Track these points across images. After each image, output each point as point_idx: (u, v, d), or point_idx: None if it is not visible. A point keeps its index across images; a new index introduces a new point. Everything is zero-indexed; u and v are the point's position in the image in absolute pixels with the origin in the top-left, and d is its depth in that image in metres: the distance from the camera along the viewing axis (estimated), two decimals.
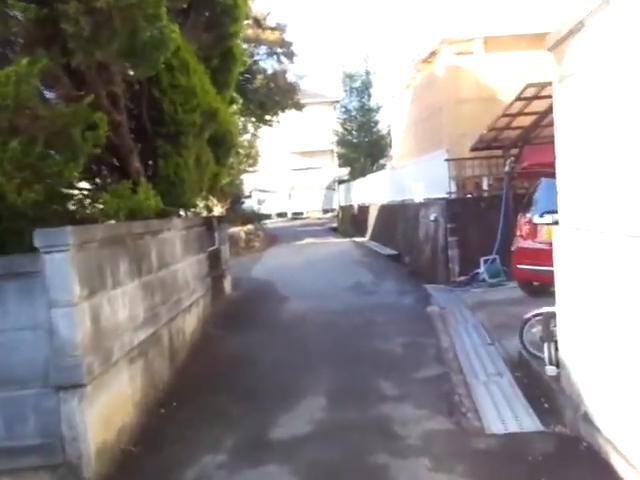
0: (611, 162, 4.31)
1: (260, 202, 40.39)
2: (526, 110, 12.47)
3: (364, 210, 27.58)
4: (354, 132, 41.52)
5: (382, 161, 40.67)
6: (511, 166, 12.93)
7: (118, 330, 5.75)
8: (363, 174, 33.13)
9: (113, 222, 6.58)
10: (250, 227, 25.84)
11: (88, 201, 7.95)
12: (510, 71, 15.31)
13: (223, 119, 9.79)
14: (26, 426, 4.91)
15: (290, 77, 27.18)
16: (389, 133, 35.67)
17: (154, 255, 7.31)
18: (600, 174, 4.52)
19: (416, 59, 19.99)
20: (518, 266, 10.37)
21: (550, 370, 5.94)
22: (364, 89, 41.49)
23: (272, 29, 24.69)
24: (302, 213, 48.87)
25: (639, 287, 3.95)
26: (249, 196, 35.17)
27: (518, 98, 11.80)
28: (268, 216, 40.43)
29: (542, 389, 6.09)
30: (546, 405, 5.83)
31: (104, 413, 5.24)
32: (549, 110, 12.32)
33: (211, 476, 5.01)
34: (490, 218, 12.73)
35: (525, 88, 11.31)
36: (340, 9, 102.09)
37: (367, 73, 41.42)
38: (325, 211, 47.60)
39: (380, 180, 25.01)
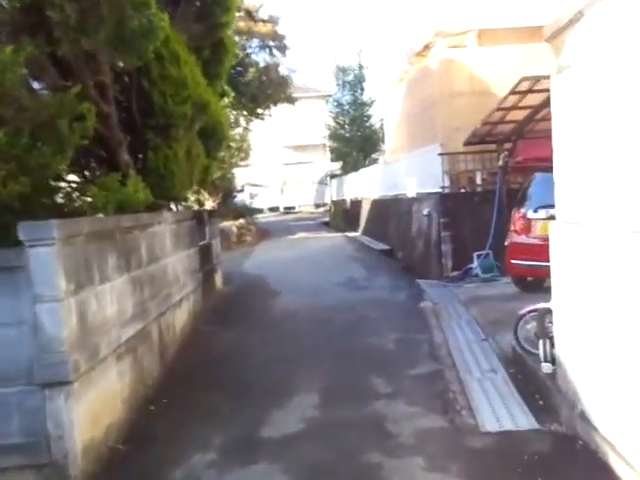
0: (612, 155, 4.22)
1: (252, 196, 40.21)
2: (520, 104, 12.39)
3: (356, 205, 27.51)
4: (347, 126, 41.51)
5: (375, 155, 40.62)
6: (505, 160, 12.86)
7: (106, 326, 5.62)
8: (355, 168, 33.06)
9: (101, 215, 6.46)
10: (242, 221, 25.72)
11: (77, 194, 7.87)
12: (504, 65, 15.20)
13: (214, 111, 9.65)
14: (11, 424, 4.77)
15: (282, 70, 27.00)
16: (382, 127, 35.60)
17: (143, 249, 7.18)
18: (600, 167, 4.43)
19: (409, 52, 19.87)
20: (512, 261, 10.31)
21: (545, 367, 5.85)
22: (357, 83, 41.45)
23: (264, 21, 24.48)
24: (294, 207, 48.72)
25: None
26: (241, 190, 34.97)
27: (512, 92, 11.71)
28: (260, 210, 40.26)
29: (537, 386, 6.01)
30: (541, 402, 5.75)
31: (91, 410, 5.12)
32: (543, 104, 12.27)
33: (200, 475, 4.90)
34: (483, 213, 12.67)
35: (520, 81, 11.22)
36: (333, 2, 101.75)
37: (360, 67, 41.42)
38: (317, 206, 47.45)
39: (373, 174, 24.93)
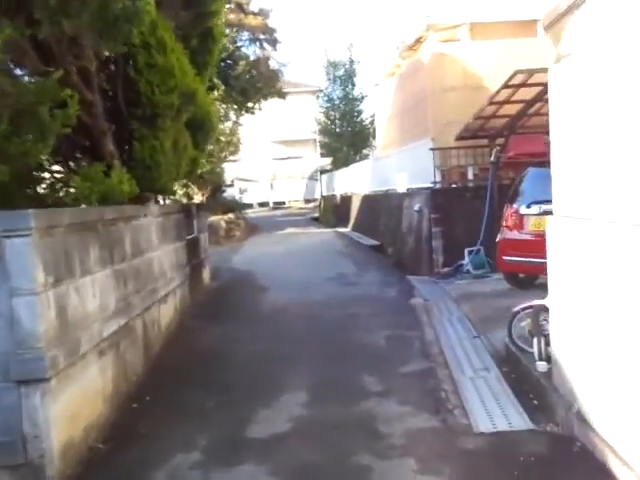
0: (614, 146, 4.05)
1: (242, 191, 40.07)
2: (513, 98, 12.26)
3: (346, 200, 27.38)
4: (337, 121, 41.42)
5: (365, 151, 40.56)
6: (497, 156, 12.71)
7: (87, 321, 5.41)
8: (346, 164, 32.95)
9: (84, 206, 6.26)
10: (231, 216, 25.51)
11: (61, 185, 7.66)
12: (497, 59, 15.02)
13: (202, 101, 9.45)
14: None
15: (273, 64, 26.70)
16: (372, 123, 35.48)
17: (128, 242, 6.98)
18: (602, 159, 4.26)
19: (401, 46, 19.68)
20: (504, 257, 10.19)
21: (541, 366, 5.70)
22: (348, 78, 41.35)
23: (255, 14, 24.20)
24: (284, 203, 48.54)
25: None
26: (231, 185, 34.79)
27: (506, 85, 11.58)
28: (250, 205, 40.01)
29: (531, 385, 5.85)
30: (536, 402, 5.59)
31: (70, 409, 4.91)
32: (537, 98, 12.17)
33: (184, 477, 4.71)
34: (475, 209, 12.54)
35: (513, 74, 11.08)
36: None
37: (351, 61, 41.32)
38: (307, 201, 47.27)
39: (363, 170, 24.81)
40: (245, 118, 28.45)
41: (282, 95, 27.88)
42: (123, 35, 5.76)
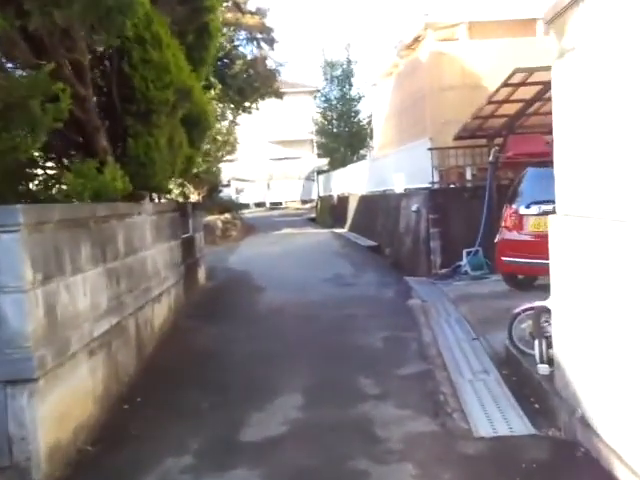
0: (621, 142, 3.92)
1: (238, 191, 39.94)
2: (512, 97, 12.15)
3: (343, 201, 27.28)
4: (334, 121, 41.32)
5: (362, 151, 40.48)
6: (495, 156, 12.60)
7: (77, 320, 5.27)
8: (343, 164, 32.85)
9: (76, 203, 6.12)
10: (227, 216, 25.40)
11: (53, 182, 7.52)
12: (495, 58, 14.90)
13: (198, 98, 9.31)
14: None
15: (270, 64, 26.64)
16: (370, 123, 35.39)
17: (121, 240, 6.84)
18: (608, 156, 4.13)
19: (399, 45, 19.56)
20: (502, 258, 10.09)
21: (542, 369, 5.57)
22: (345, 78, 41.26)
23: (252, 13, 24.10)
24: (281, 203, 48.50)
25: None
26: (227, 185, 34.63)
27: (505, 84, 11.46)
28: (246, 205, 39.90)
29: (533, 388, 5.72)
30: (537, 406, 5.47)
31: (58, 410, 4.77)
32: (536, 97, 12.06)
33: None
34: (473, 209, 12.45)
35: (513, 73, 10.96)
36: None
37: (348, 62, 41.21)
38: (304, 202, 47.21)
39: (360, 170, 24.72)
40: (242, 118, 28.34)
41: (279, 95, 27.81)
42: (116, 27, 5.62)
